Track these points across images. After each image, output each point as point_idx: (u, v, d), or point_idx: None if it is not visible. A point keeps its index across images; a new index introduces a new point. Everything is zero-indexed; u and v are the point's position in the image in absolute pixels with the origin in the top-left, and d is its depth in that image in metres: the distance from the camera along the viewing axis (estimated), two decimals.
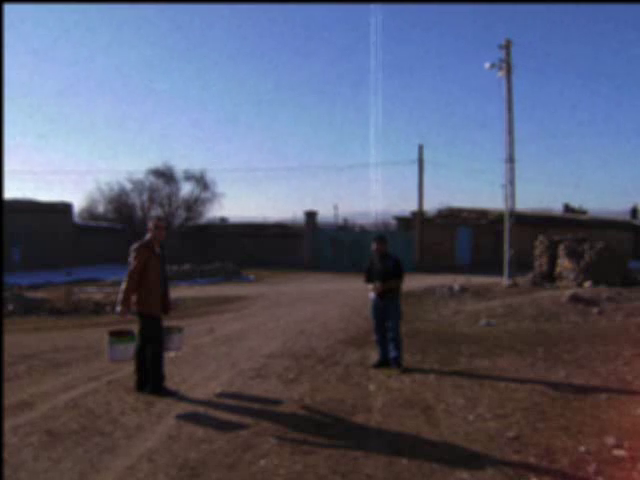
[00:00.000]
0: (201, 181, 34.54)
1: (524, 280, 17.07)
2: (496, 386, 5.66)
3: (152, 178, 34.19)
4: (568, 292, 12.10)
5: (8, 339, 8.30)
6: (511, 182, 18.32)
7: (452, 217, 30.15)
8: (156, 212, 32.96)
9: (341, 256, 29.25)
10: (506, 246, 18.54)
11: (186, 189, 34.77)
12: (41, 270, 25.40)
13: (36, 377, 6.26)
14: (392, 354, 6.52)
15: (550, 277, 16.54)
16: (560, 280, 15.90)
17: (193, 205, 34.65)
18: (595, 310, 10.64)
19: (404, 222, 30.29)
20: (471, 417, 4.71)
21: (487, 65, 18.41)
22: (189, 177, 34.43)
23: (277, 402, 5.24)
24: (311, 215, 30.71)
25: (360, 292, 12.41)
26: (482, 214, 29.47)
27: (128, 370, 5.95)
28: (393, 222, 33.72)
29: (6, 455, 3.93)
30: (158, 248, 5.61)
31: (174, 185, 34.37)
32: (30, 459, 3.92)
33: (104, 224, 33.82)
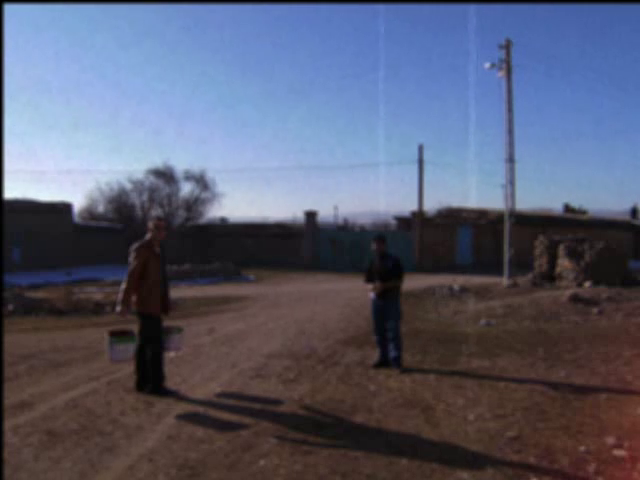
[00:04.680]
0: (201, 181, 34.59)
1: (524, 280, 17.06)
2: (496, 386, 5.66)
3: (152, 178, 34.27)
4: (568, 292, 12.09)
5: (8, 339, 8.30)
6: (511, 182, 18.33)
7: (452, 217, 30.14)
8: (156, 212, 32.96)
9: (341, 256, 29.25)
10: (506, 246, 18.55)
11: (186, 189, 34.85)
12: (41, 270, 25.39)
13: (36, 377, 6.26)
14: (392, 354, 6.52)
15: (550, 277, 16.53)
16: (560, 280, 15.90)
17: (193, 205, 34.67)
18: (595, 310, 10.64)
19: (404, 222, 30.29)
20: (471, 417, 4.71)
21: (487, 65, 18.42)
22: (189, 177, 34.49)
23: (277, 402, 5.24)
24: (311, 215, 30.71)
25: (360, 292, 12.41)
26: (482, 214, 29.47)
27: (128, 370, 5.95)
28: (393, 222, 33.74)
29: (6, 455, 3.93)
30: (158, 248, 5.61)
31: (174, 185, 34.43)
32: (30, 459, 3.92)
33: (104, 224, 33.82)
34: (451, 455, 3.93)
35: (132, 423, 4.65)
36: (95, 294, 16.48)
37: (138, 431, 4.47)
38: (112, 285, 18.75)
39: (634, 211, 39.76)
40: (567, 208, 41.14)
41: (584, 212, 40.39)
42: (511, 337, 8.46)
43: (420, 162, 28.41)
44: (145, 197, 34.43)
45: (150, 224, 5.68)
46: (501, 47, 18.34)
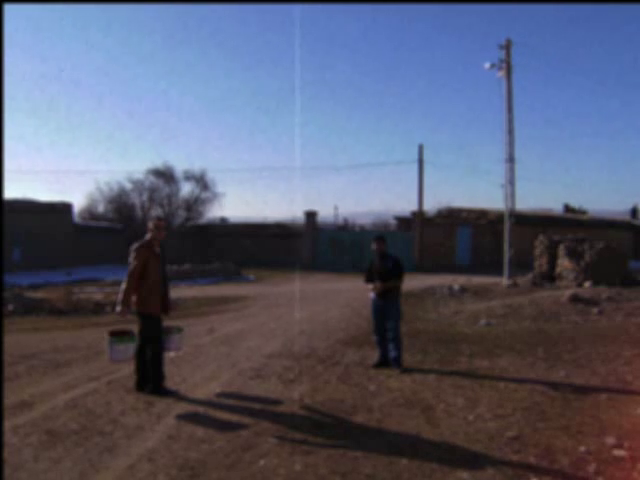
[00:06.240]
0: (201, 181, 34.57)
1: (524, 280, 17.06)
2: (496, 386, 5.66)
3: (152, 178, 34.25)
4: (568, 292, 12.09)
5: (8, 339, 8.29)
6: (511, 182, 18.33)
7: (452, 217, 30.13)
8: (156, 212, 32.95)
9: (341, 256, 29.23)
10: (506, 246, 18.55)
11: (186, 189, 34.83)
12: (41, 270, 25.37)
13: (36, 377, 6.26)
14: (392, 354, 6.52)
15: (550, 277, 16.53)
16: (560, 280, 15.90)
17: (193, 205, 34.66)
18: (595, 310, 10.63)
19: (404, 222, 30.28)
20: (471, 417, 4.71)
21: (487, 65, 18.43)
22: (189, 177, 34.47)
23: (277, 402, 5.24)
24: (311, 215, 30.70)
25: (360, 292, 12.41)
26: (482, 214, 29.45)
27: (128, 370, 5.95)
28: (393, 222, 33.73)
29: (6, 455, 3.93)
30: (158, 248, 5.61)
31: (174, 185, 34.41)
32: (30, 459, 3.92)
33: (104, 224, 33.79)
34: (451, 455, 3.93)
35: (132, 423, 4.65)
36: (95, 294, 16.48)
37: (138, 431, 4.47)
38: (112, 285, 18.75)
39: (634, 211, 39.76)
40: (567, 208, 41.10)
41: (584, 212, 40.34)
42: (511, 337, 8.46)
43: (420, 162, 28.41)
44: (145, 197, 34.43)
45: (150, 224, 5.68)
46: (501, 47, 18.34)
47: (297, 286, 20.05)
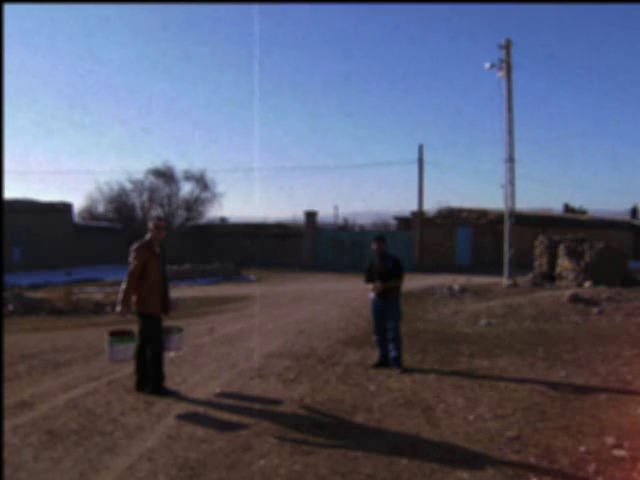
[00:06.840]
0: (201, 181, 34.58)
1: (524, 280, 17.07)
2: (496, 386, 5.66)
3: (152, 178, 34.24)
4: (568, 292, 12.09)
5: (8, 339, 8.29)
6: (511, 182, 18.34)
7: (452, 217, 30.13)
8: (156, 212, 32.95)
9: (341, 256, 29.24)
10: (506, 246, 18.55)
11: (186, 189, 34.83)
12: (41, 270, 25.37)
13: (36, 377, 6.26)
14: (392, 354, 6.52)
15: (550, 277, 16.53)
16: (560, 280, 15.90)
17: (193, 205, 34.66)
18: (595, 310, 10.63)
19: (404, 222, 30.29)
20: (471, 417, 4.71)
21: (487, 65, 18.44)
22: (189, 177, 34.48)
23: (277, 402, 5.24)
24: (311, 215, 30.70)
25: (360, 292, 12.41)
26: (482, 214, 29.46)
27: (128, 370, 5.95)
28: (393, 222, 33.74)
29: (6, 455, 3.93)
30: (158, 248, 5.61)
31: (174, 185, 34.41)
32: (30, 459, 3.92)
33: (104, 224, 33.79)
34: (451, 455, 3.93)
35: (132, 423, 4.65)
36: (95, 294, 16.48)
37: (138, 431, 4.47)
38: (112, 285, 18.74)
39: (634, 211, 39.78)
40: (567, 208, 41.10)
41: (584, 212, 40.34)
42: (511, 337, 8.46)
43: (420, 162, 28.42)
44: (145, 197, 34.43)
45: (150, 224, 5.68)
46: (501, 47, 18.36)
47: (297, 286, 20.06)
